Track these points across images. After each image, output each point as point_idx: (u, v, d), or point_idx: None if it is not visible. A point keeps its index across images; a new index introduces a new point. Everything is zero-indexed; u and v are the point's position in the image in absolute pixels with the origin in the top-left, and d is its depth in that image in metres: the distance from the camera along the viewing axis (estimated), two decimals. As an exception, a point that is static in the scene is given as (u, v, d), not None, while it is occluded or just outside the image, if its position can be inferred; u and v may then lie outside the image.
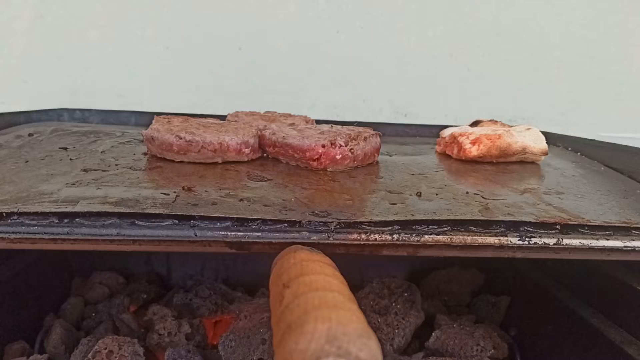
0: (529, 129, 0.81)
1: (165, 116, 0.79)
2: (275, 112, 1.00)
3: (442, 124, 1.29)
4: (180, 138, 0.71)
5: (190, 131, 0.72)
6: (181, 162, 0.73)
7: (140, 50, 1.39)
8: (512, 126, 0.87)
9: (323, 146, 0.72)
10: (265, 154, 0.79)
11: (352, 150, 0.74)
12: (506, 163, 0.80)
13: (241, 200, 0.60)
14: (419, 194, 0.64)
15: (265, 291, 0.97)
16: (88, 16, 1.38)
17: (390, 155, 0.85)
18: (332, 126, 0.81)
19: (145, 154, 0.77)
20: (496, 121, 0.91)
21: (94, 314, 0.93)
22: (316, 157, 0.72)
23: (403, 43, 1.43)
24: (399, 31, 1.42)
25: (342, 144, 0.73)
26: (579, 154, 0.90)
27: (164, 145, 0.72)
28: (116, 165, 0.70)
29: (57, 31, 1.38)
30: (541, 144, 0.79)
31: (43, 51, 1.38)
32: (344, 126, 0.83)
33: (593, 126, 1.48)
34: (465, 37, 1.43)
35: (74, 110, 1.16)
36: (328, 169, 0.73)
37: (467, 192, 0.65)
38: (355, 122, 1.24)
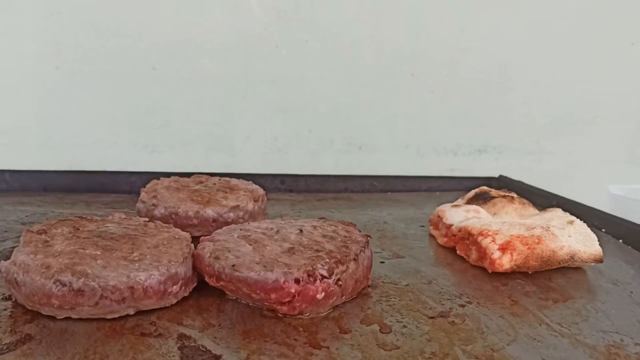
0: (571, 222, 0.59)
1: (42, 226, 0.50)
2: (209, 181, 0.73)
3: (413, 173, 1.06)
4: (64, 285, 0.43)
5: (80, 269, 0.44)
6: (67, 318, 0.45)
7: (22, 72, 1.07)
8: (543, 209, 0.65)
9: (297, 281, 0.46)
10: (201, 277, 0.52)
11: (340, 282, 0.49)
12: (545, 273, 0.57)
13: None
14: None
15: None
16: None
17: (382, 261, 0.60)
18: (301, 229, 0.55)
19: (7, 298, 0.48)
20: (512, 196, 0.68)
21: None
22: (287, 299, 0.46)
23: (356, 60, 1.18)
24: (351, 46, 1.17)
25: (325, 273, 0.48)
26: (620, 241, 0.68)
27: (36, 296, 0.44)
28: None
29: None
30: (593, 247, 0.57)
31: None
32: (316, 222, 0.57)
33: (570, 154, 1.30)
34: (428, 53, 1.20)
35: None
36: (305, 315, 0.48)
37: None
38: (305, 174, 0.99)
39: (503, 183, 0.93)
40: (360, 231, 0.57)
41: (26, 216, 0.69)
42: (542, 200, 0.83)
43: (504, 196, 0.67)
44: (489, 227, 0.57)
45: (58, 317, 0.44)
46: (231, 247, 0.50)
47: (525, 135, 1.28)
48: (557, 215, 0.61)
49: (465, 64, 1.21)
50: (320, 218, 0.61)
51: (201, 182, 0.73)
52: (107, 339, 0.42)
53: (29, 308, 0.45)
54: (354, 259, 0.50)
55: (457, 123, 1.24)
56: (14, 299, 0.47)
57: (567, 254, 0.55)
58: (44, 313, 0.45)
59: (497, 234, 0.56)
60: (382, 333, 0.46)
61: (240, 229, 0.55)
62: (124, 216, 0.57)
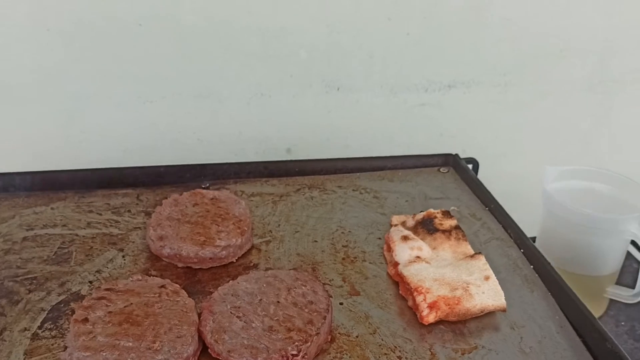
0: (487, 277, 0.76)
1: (83, 311, 0.67)
2: (203, 202, 0.87)
3: (385, 110, 1.19)
4: (111, 384, 0.62)
5: (120, 368, 0.62)
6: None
7: (15, 34, 1.12)
8: (471, 255, 0.81)
9: (274, 363, 0.65)
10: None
11: (306, 355, 0.68)
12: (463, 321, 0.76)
13: None
14: None
15: None
16: None
17: (342, 303, 0.78)
18: (278, 300, 0.72)
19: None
20: (450, 231, 0.84)
21: None
22: (267, 377, 0.66)
23: (334, 8, 1.23)
24: (330, -5, 1.21)
25: (295, 352, 0.66)
26: (532, 267, 0.86)
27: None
28: None
29: None
30: (499, 301, 0.75)
31: None
32: (291, 281, 0.74)
33: (533, 86, 1.40)
34: (406, -1, 1.24)
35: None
36: (280, 381, 0.67)
37: None
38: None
39: (456, 163, 1.07)
40: (325, 291, 0.74)
41: (55, 252, 0.84)
42: (482, 195, 0.99)
43: (443, 232, 0.84)
44: (423, 284, 0.75)
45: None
46: (226, 327, 0.68)
47: (493, 71, 1.37)
48: (478, 267, 0.77)
49: (441, 7, 1.26)
50: (292, 269, 0.78)
51: (197, 205, 0.87)
52: (145, 417, 0.62)
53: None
54: (317, 334, 0.69)
55: (429, 63, 1.33)
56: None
57: (479, 310, 0.73)
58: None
59: (428, 292, 0.74)
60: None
61: (232, 295, 0.72)
62: (140, 278, 0.74)
